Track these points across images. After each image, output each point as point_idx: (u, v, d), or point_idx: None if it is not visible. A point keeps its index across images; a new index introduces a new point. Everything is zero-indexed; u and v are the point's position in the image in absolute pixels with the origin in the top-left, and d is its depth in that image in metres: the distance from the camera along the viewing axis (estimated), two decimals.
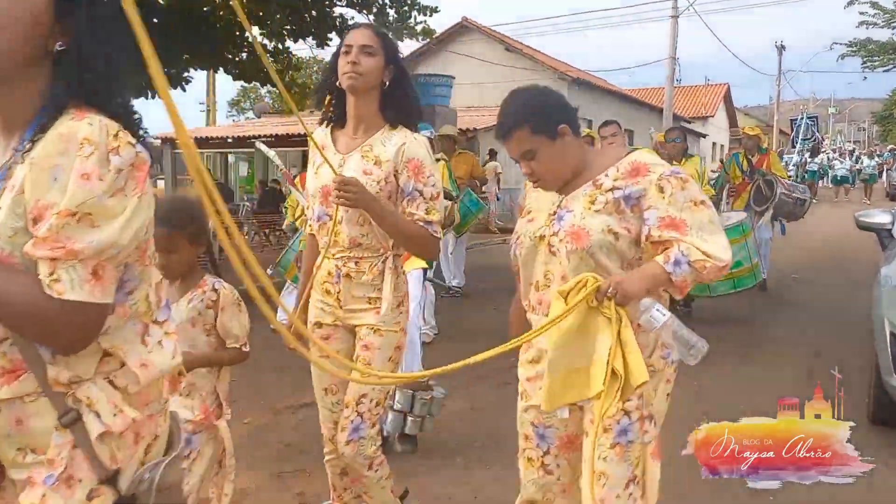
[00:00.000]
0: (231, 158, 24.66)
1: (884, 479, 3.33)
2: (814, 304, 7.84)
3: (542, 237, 2.09)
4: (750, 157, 8.10)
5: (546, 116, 2.09)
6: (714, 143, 40.79)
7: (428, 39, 12.32)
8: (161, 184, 19.58)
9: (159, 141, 20.37)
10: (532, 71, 23.87)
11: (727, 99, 43.04)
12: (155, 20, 9.88)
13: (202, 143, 19.22)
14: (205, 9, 10.61)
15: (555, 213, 2.08)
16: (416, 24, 11.05)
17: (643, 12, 71.50)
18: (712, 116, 39.58)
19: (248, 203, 14.91)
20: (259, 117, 28.10)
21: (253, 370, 5.42)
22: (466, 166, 8.49)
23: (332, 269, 2.57)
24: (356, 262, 2.54)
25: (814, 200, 23.24)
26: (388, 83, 2.52)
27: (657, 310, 1.89)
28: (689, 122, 35.27)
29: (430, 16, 11.02)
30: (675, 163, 6.32)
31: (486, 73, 23.42)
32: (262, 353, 5.82)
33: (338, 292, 2.56)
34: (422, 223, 2.51)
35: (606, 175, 2.05)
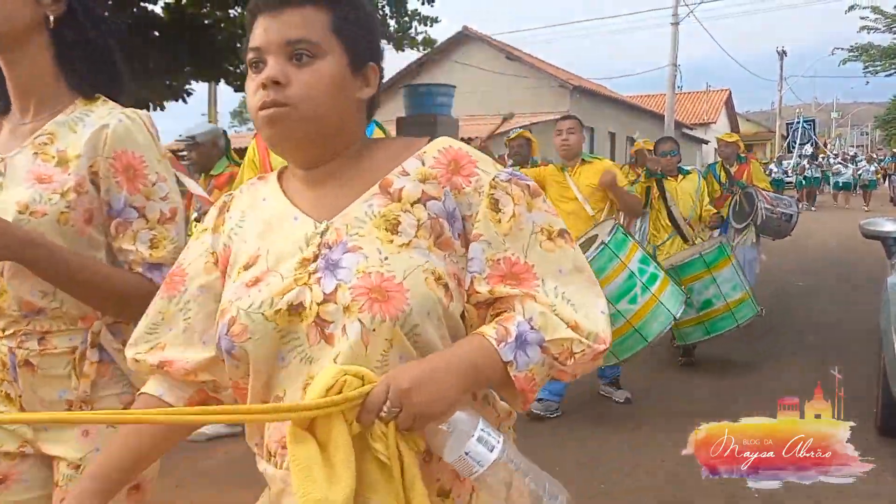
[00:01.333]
0: None
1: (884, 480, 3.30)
2: (818, 312, 7.79)
3: (296, 308, 1.06)
4: (728, 167, 7.19)
5: (360, 26, 1.18)
6: (716, 150, 40.67)
7: (429, 49, 12.33)
8: None
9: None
10: (533, 79, 23.93)
11: (729, 105, 43.06)
12: (157, 33, 9.92)
13: None
14: (206, 21, 10.65)
15: (317, 255, 1.09)
16: (417, 34, 11.07)
17: (644, 20, 71.51)
18: (714, 123, 39.58)
19: None
20: None
21: None
22: None
23: (3, 355, 1.48)
24: (39, 341, 1.46)
25: (812, 208, 23.10)
26: (54, 21, 1.46)
27: (480, 436, 1.00)
28: (691, 129, 35.31)
29: (431, 26, 11.04)
30: (669, 179, 5.92)
31: (488, 81, 23.47)
32: None
33: (18, 395, 1.49)
34: (140, 269, 1.47)
35: (405, 172, 1.13)
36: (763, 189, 7.08)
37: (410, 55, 21.32)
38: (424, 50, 12.12)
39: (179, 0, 10.63)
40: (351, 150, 1.16)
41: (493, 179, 1.12)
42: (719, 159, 7.39)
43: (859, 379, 4.22)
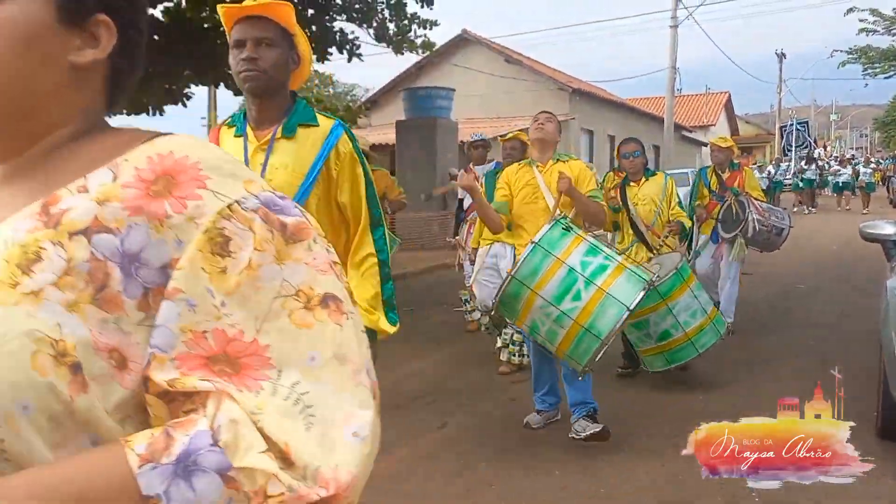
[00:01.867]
0: None
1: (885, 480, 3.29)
2: (818, 314, 7.80)
3: None
4: (720, 172, 6.72)
5: None
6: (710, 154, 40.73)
7: (428, 53, 12.34)
8: None
9: None
10: (532, 82, 23.96)
11: (728, 107, 43.11)
12: (156, 37, 9.94)
13: None
14: (205, 25, 10.66)
15: None
16: (417, 37, 11.07)
17: (643, 23, 71.69)
18: (713, 125, 39.61)
19: None
20: None
21: None
22: (376, 188, 7.41)
23: None
24: None
25: (812, 210, 23.11)
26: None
27: None
28: (691, 131, 35.35)
29: (431, 29, 11.04)
30: (632, 184, 5.53)
31: (487, 84, 23.50)
32: None
33: None
34: None
35: (84, 187, 0.74)
36: (756, 198, 6.65)
37: (410, 58, 21.37)
38: (424, 53, 12.12)
39: (179, 4, 10.65)
40: (49, 140, 0.79)
41: (228, 207, 0.72)
42: (711, 164, 6.95)
43: (859, 381, 4.22)
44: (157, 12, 10.46)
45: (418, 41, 11.13)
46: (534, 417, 4.45)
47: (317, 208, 2.14)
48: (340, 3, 10.49)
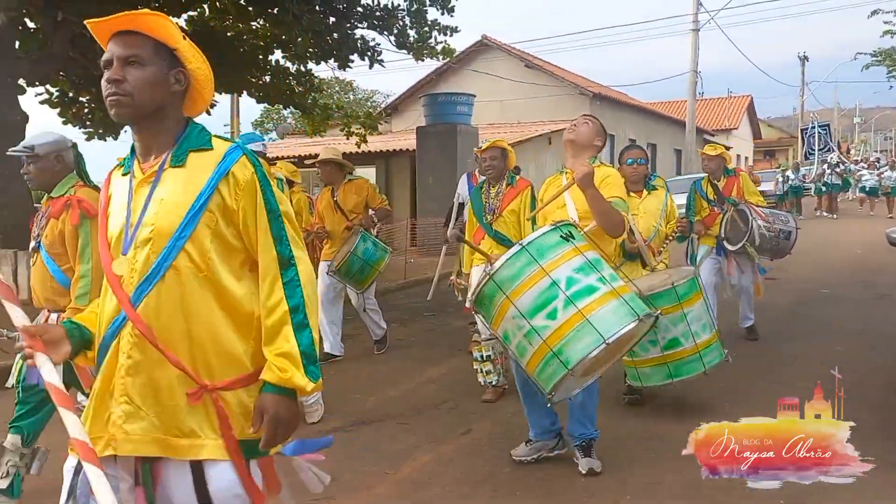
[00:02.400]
0: None
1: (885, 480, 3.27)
2: (841, 320, 7.71)
3: None
4: (715, 182, 6.40)
5: None
6: (738, 156, 40.47)
7: (448, 59, 12.39)
8: None
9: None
10: (553, 87, 23.95)
11: (750, 111, 42.77)
12: None
13: None
14: (228, 33, 10.81)
15: None
16: (437, 43, 11.14)
17: (664, 26, 71.22)
18: (736, 129, 39.33)
19: None
20: (282, 138, 28.42)
21: None
22: (357, 197, 6.42)
23: None
24: None
25: (833, 216, 22.61)
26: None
27: None
28: (713, 135, 35.10)
29: (451, 35, 11.10)
30: (632, 195, 4.96)
31: (507, 89, 23.52)
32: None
33: None
34: None
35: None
36: (756, 204, 6.36)
37: (430, 65, 21.46)
38: (444, 59, 12.18)
39: (203, 13, 10.81)
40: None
41: None
42: (705, 174, 6.54)
43: (882, 390, 4.17)
44: (181, 21, 10.61)
45: (438, 47, 11.19)
46: (520, 449, 4.01)
47: (212, 244, 1.83)
48: (361, 10, 10.58)
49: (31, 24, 9.74)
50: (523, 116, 23.68)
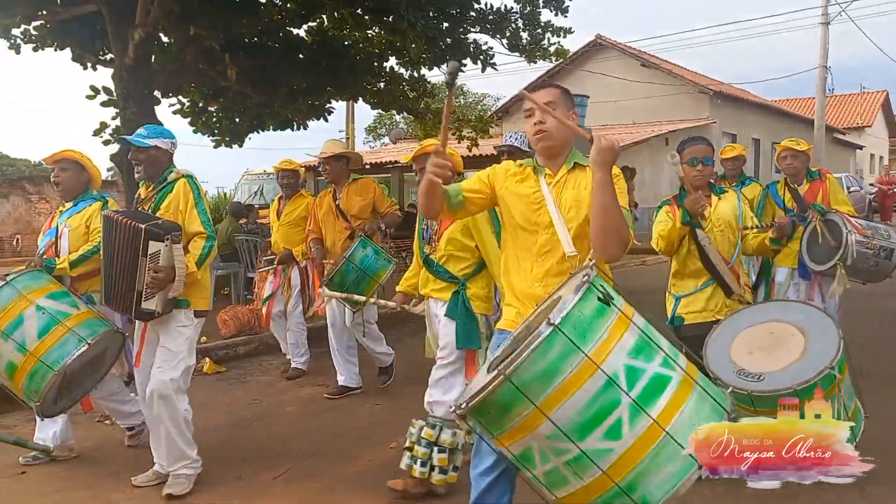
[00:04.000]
0: None
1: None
2: None
3: None
4: (794, 186, 5.22)
5: None
6: (872, 155, 37.94)
7: (562, 60, 12.25)
8: None
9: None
10: (670, 86, 23.24)
11: (886, 107, 39.96)
12: (301, 56, 10.47)
13: None
14: (346, 43, 11.12)
15: None
16: (550, 45, 11.04)
17: (790, 21, 67.87)
18: (869, 126, 36.86)
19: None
20: (395, 143, 29.02)
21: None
22: (362, 200, 5.64)
23: None
24: None
25: None
26: None
27: None
28: (844, 133, 33.07)
29: (564, 36, 10.97)
30: (705, 204, 3.91)
31: (622, 90, 23.02)
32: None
33: None
34: None
35: None
36: (847, 213, 5.03)
37: (542, 66, 21.30)
38: (557, 61, 12.05)
39: (322, 23, 11.17)
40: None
41: None
42: (783, 176, 5.35)
43: None
44: (301, 32, 11.01)
45: (552, 49, 11.09)
46: None
47: None
48: (475, 15, 10.62)
49: (164, 39, 10.37)
50: (639, 117, 23.11)
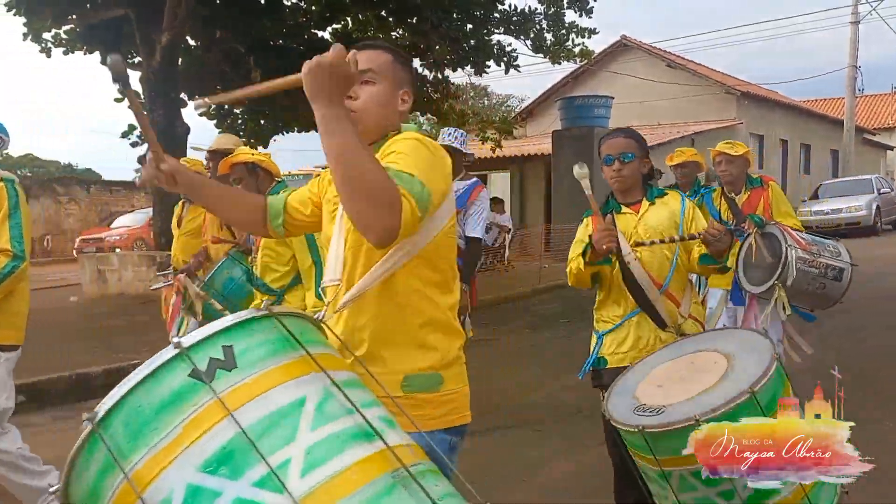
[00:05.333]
0: None
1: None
2: None
3: None
4: (731, 195, 4.52)
5: None
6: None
7: (586, 61, 12.20)
8: None
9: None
10: (696, 86, 23.03)
11: None
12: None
13: None
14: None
15: None
16: (574, 46, 11.00)
17: (819, 20, 67.00)
18: None
19: None
20: None
21: None
22: None
23: None
24: None
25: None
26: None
27: None
28: (874, 134, 32.54)
29: (589, 37, 10.93)
30: (626, 210, 2.98)
31: (648, 90, 22.86)
32: None
33: None
34: None
35: None
36: (792, 227, 4.21)
37: (567, 68, 21.22)
38: (581, 62, 12.01)
39: (346, 25, 11.24)
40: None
41: None
42: (716, 184, 4.75)
43: None
44: (325, 34, 11.08)
45: (576, 50, 11.05)
46: None
47: None
48: (499, 16, 10.62)
49: (191, 42, 10.49)
50: (664, 118, 22.93)
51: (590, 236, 2.75)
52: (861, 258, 5.23)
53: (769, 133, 24.72)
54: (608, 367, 2.91)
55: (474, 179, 4.59)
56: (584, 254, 2.79)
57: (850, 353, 6.17)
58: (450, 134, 4.54)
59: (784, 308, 3.97)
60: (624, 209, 2.94)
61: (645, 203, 2.95)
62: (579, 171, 2.64)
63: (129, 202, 27.74)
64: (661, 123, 22.65)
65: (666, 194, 3.01)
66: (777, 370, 2.22)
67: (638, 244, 2.81)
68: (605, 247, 2.63)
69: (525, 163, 17.92)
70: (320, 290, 2.07)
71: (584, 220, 3.08)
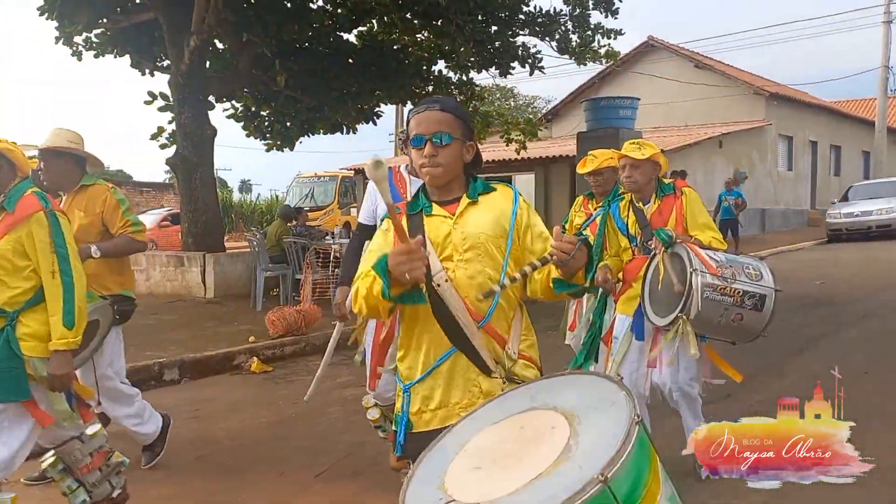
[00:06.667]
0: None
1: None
2: None
3: None
4: (638, 205, 3.81)
5: None
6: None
7: (612, 62, 12.14)
8: (353, 212, 20.77)
9: (353, 172, 21.67)
10: (724, 87, 22.81)
11: None
12: (350, 60, 10.60)
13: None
14: (395, 47, 11.21)
15: None
16: (600, 47, 10.95)
17: (850, 20, 66.00)
18: None
19: None
20: None
21: None
22: (87, 215, 3.98)
23: None
24: None
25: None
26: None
27: None
28: None
29: (615, 38, 10.88)
30: (440, 211, 2.30)
31: (675, 91, 22.68)
32: None
33: None
34: None
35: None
36: (706, 245, 3.54)
37: (592, 69, 21.11)
38: (607, 63, 11.96)
39: (371, 28, 11.29)
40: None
41: None
42: (623, 190, 4.00)
43: None
44: (351, 37, 11.14)
45: (602, 51, 11.01)
46: None
47: None
48: (523, 18, 10.61)
49: (219, 46, 10.61)
50: (691, 119, 22.73)
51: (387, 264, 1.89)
52: (892, 261, 5.02)
53: (799, 134, 24.38)
54: (413, 431, 2.13)
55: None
56: (381, 271, 1.89)
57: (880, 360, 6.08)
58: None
59: (689, 346, 3.37)
60: (436, 210, 2.13)
61: (464, 201, 2.13)
62: (373, 170, 1.76)
63: (159, 202, 28.18)
64: (688, 125, 22.45)
65: (494, 189, 2.18)
66: (639, 440, 1.48)
67: (512, 280, 1.99)
68: (407, 276, 1.83)
69: (550, 165, 17.87)
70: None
71: (384, 221, 2.20)
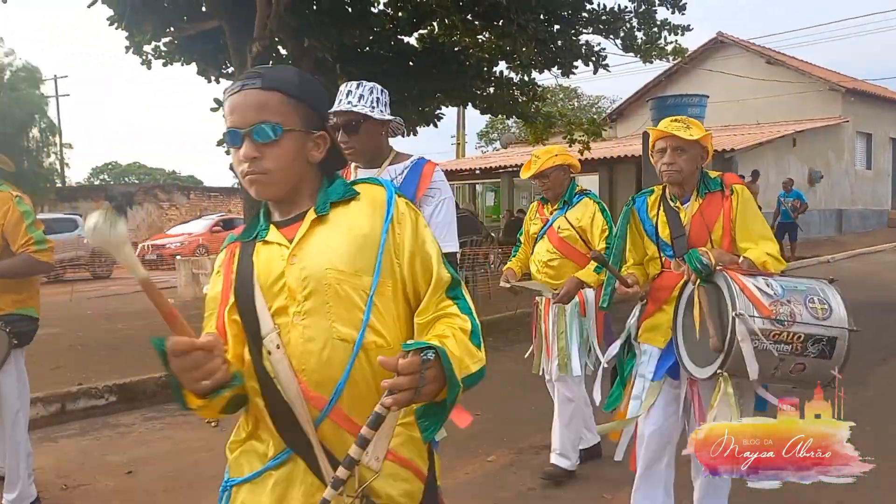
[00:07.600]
0: (479, 188, 25.64)
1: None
2: None
3: None
4: (674, 205, 2.93)
5: None
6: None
7: (679, 59, 11.79)
8: None
9: None
10: (798, 83, 21.97)
11: None
12: (411, 63, 10.56)
13: (452, 175, 20.08)
14: (456, 49, 11.13)
15: None
16: (667, 44, 10.63)
17: None
18: None
19: (492, 234, 15.33)
20: (505, 147, 28.93)
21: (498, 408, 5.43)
22: None
23: None
24: None
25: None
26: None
27: None
28: None
29: (682, 34, 10.55)
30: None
31: (746, 88, 21.98)
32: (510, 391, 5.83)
33: None
34: None
35: None
36: (757, 263, 2.66)
37: (659, 66, 20.62)
38: (674, 60, 11.61)
39: (432, 30, 11.24)
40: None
41: None
42: (656, 187, 3.09)
43: None
44: (412, 40, 11.11)
45: (669, 48, 10.70)
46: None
47: None
48: (587, 16, 10.38)
49: (282, 52, 10.73)
50: (763, 116, 21.97)
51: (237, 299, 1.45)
52: None
53: (878, 131, 23.32)
54: None
55: (417, 157, 2.88)
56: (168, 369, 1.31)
57: None
58: (350, 93, 2.74)
59: (731, 411, 2.45)
60: (272, 235, 1.46)
61: (309, 218, 1.44)
62: (102, 234, 1.20)
63: (227, 206, 28.86)
64: (759, 123, 21.70)
65: (356, 195, 1.48)
66: None
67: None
68: (201, 385, 1.29)
69: (615, 165, 17.52)
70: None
71: (223, 250, 1.57)
